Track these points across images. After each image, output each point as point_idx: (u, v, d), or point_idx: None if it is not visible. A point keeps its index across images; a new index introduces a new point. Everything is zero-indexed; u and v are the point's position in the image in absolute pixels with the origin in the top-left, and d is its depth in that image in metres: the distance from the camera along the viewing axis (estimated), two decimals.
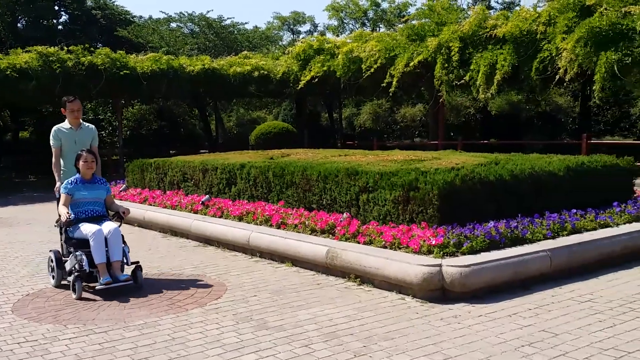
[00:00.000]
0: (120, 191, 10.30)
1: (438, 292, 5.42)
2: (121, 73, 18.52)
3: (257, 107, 33.07)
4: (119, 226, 6.14)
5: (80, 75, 17.83)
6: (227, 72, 21.02)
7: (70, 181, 6.24)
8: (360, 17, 36.72)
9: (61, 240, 6.33)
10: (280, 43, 41.47)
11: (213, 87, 21.12)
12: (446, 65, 16.00)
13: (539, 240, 6.26)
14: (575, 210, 7.20)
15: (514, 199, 6.96)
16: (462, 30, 15.99)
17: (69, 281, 5.97)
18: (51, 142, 6.70)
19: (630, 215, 7.26)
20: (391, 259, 5.71)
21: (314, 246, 6.55)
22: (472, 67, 15.43)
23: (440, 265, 5.42)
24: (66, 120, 6.78)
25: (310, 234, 7.08)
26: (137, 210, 10.03)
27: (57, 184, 6.59)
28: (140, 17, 42.53)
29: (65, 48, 18.46)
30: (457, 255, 5.70)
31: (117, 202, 7.10)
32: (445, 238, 5.88)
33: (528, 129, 22.97)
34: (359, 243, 6.42)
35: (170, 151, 24.66)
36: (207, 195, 9.68)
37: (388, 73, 17.08)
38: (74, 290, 5.75)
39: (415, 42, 17.24)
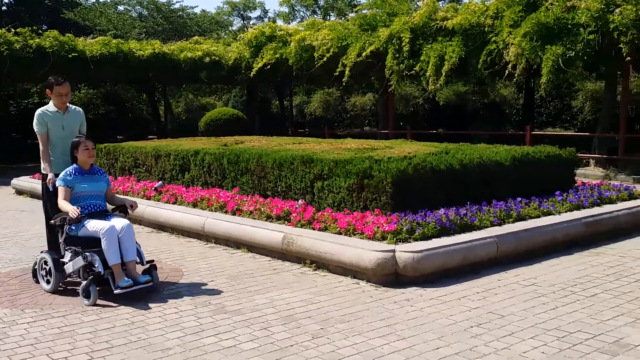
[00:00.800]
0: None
1: (391, 276, 5.61)
2: (69, 56, 18.11)
3: (206, 93, 32.74)
4: None
5: (27, 57, 17.40)
6: (178, 57, 20.78)
7: (68, 172, 5.56)
8: (311, 4, 36.73)
9: (60, 239, 5.53)
10: (230, 28, 41.11)
11: (163, 72, 20.85)
12: (397, 55, 16.25)
13: (487, 227, 6.53)
14: (520, 199, 7.51)
15: (463, 187, 7.22)
16: (413, 22, 16.27)
17: (63, 286, 5.54)
18: (36, 128, 5.85)
19: (572, 204, 7.61)
20: (346, 245, 5.86)
21: (270, 232, 6.65)
22: (422, 58, 15.74)
23: (393, 251, 5.60)
24: (50, 103, 5.95)
25: (265, 221, 7.16)
26: None
27: (50, 175, 5.73)
28: None
29: (13, 30, 17.91)
30: (409, 241, 5.90)
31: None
32: (398, 224, 6.06)
33: (474, 120, 23.54)
34: (314, 229, 6.55)
35: (118, 136, 24.21)
36: (160, 182, 9.63)
37: (340, 62, 17.22)
38: (87, 296, 5.13)
39: (367, 32, 17.42)
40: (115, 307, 5.02)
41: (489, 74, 15.35)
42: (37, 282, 5.68)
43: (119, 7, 38.56)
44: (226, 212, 7.77)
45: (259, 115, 24.00)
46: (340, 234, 6.30)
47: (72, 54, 18.17)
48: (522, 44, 13.27)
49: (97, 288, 5.18)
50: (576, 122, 22.81)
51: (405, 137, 17.21)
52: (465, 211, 6.74)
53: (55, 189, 5.58)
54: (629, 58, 12.11)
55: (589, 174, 13.47)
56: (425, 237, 6.00)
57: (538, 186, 8.06)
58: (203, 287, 5.57)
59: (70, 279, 5.62)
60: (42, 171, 5.86)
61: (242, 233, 6.99)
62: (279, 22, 37.24)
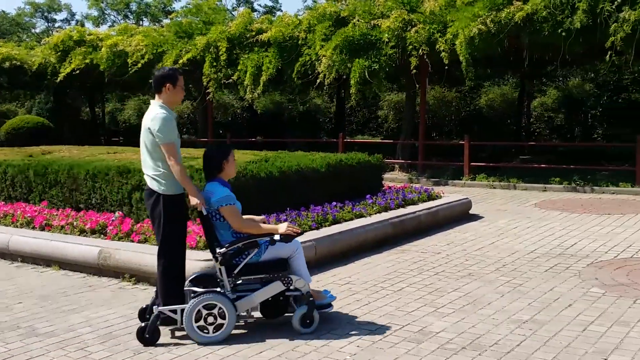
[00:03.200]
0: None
1: None
2: None
3: (6, 100, 30.05)
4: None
5: None
6: None
7: (225, 188, 4.53)
8: (122, 9, 35.39)
9: (223, 274, 4.45)
10: (33, 31, 38.19)
11: None
12: (215, 64, 16.34)
13: (306, 231, 6.82)
14: (335, 203, 7.94)
15: (283, 193, 7.46)
16: (229, 31, 16.49)
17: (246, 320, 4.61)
18: (167, 137, 4.37)
19: (380, 206, 8.21)
20: None
21: (84, 247, 6.34)
22: (239, 67, 16.01)
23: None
24: (163, 102, 4.54)
25: (79, 235, 6.81)
26: None
27: (195, 199, 4.47)
28: None
29: None
30: None
31: None
32: None
33: (291, 128, 24.28)
34: (133, 242, 6.37)
35: None
36: None
37: (156, 69, 16.85)
38: (308, 323, 4.48)
39: (183, 40, 17.31)
40: None
41: (303, 83, 16.01)
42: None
43: None
44: (34, 227, 7.26)
45: (69, 123, 22.62)
46: None
47: None
48: (333, 57, 14.10)
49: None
50: (382, 130, 24.48)
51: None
52: (285, 217, 6.98)
53: (208, 213, 4.50)
54: (414, 71, 13.43)
55: (395, 178, 14.55)
56: None
57: (351, 190, 8.57)
58: (9, 311, 5.17)
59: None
60: (167, 192, 4.45)
61: (52, 250, 6.57)
62: (88, 26, 35.40)
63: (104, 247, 6.23)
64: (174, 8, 35.00)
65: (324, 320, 4.73)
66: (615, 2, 11.15)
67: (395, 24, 13.80)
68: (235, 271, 4.47)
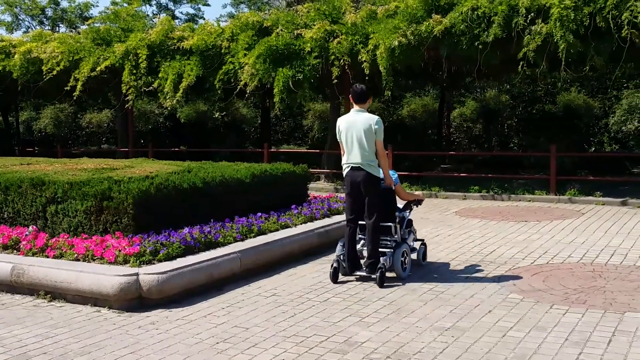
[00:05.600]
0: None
1: (135, 300, 5.46)
2: None
3: None
4: None
5: None
6: None
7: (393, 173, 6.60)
8: (37, 14, 34.02)
9: (398, 227, 6.46)
10: None
11: None
12: (134, 71, 15.99)
13: (230, 243, 6.72)
14: (260, 214, 7.88)
15: (207, 205, 7.34)
16: (149, 39, 16.18)
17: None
18: (382, 136, 6.21)
19: (305, 217, 8.21)
20: (85, 272, 5.57)
21: None
22: (160, 75, 15.73)
23: (137, 274, 5.47)
24: (366, 110, 6.32)
25: None
26: None
27: (390, 179, 6.42)
28: None
29: None
30: (154, 263, 5.81)
31: None
32: (141, 247, 5.94)
33: (215, 137, 23.97)
34: (48, 257, 6.09)
35: None
36: None
37: (72, 76, 16.32)
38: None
39: (101, 47, 16.86)
40: None
41: (225, 92, 15.89)
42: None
43: None
44: None
45: None
46: (78, 260, 5.95)
47: None
48: (256, 66, 14.07)
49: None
50: (307, 140, 24.58)
51: (147, 155, 16.87)
52: (209, 229, 6.86)
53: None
54: (336, 81, 13.63)
55: (320, 188, 14.63)
56: (170, 258, 5.96)
57: (276, 201, 8.53)
58: None
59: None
60: (379, 176, 6.26)
61: None
62: (1, 32, 33.86)
63: (17, 263, 5.92)
64: (91, 14, 33.97)
65: (246, 332, 4.67)
66: (529, 16, 11.67)
67: (318, 34, 13.92)
68: (404, 225, 6.61)
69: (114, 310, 5.38)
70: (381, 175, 6.30)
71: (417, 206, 6.88)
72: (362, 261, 6.37)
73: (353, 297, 5.71)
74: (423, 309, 5.30)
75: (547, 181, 13.23)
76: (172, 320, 5.12)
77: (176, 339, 4.66)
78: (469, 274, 6.54)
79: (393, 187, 6.44)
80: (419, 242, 6.97)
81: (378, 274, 6.06)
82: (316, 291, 5.95)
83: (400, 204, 6.74)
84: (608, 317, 5.02)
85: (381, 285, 6.02)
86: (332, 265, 6.31)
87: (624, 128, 18.29)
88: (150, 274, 5.47)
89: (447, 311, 5.24)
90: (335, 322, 5.01)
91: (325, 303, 5.55)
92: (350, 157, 6.21)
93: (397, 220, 6.45)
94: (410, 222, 6.77)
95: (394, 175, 6.54)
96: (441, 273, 6.59)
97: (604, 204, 11.67)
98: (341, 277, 6.37)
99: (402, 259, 6.35)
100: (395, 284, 6.15)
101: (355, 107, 6.26)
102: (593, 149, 19.31)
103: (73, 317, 5.22)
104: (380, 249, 6.27)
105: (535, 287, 5.94)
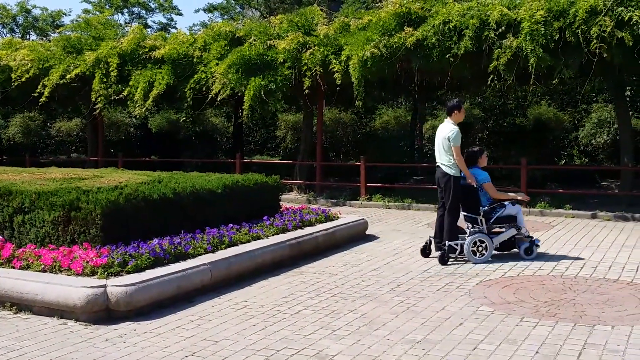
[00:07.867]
0: None
1: (103, 312, 5.36)
2: None
3: None
4: None
5: None
6: None
7: (482, 172, 7.81)
8: (8, 22, 33.55)
9: (486, 223, 7.67)
10: None
11: None
12: (105, 80, 15.83)
13: (201, 254, 6.65)
14: (232, 225, 7.81)
15: (178, 216, 7.25)
16: (121, 47, 16.05)
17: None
18: (456, 142, 7.57)
19: (277, 228, 8.16)
20: (52, 283, 5.46)
21: None
22: (131, 84, 15.60)
23: (105, 286, 5.38)
24: (453, 121, 7.80)
25: None
26: None
27: (471, 178, 7.65)
28: None
29: None
30: (122, 275, 5.72)
31: None
32: (109, 258, 5.84)
33: (187, 147, 23.75)
34: (14, 268, 5.95)
35: None
36: None
37: (41, 83, 16.09)
38: (530, 253, 7.75)
39: (72, 55, 16.68)
40: None
41: (197, 102, 15.79)
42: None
43: None
44: None
45: None
46: (45, 271, 5.83)
47: None
48: (229, 75, 14.03)
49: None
50: (280, 150, 24.51)
51: (117, 165, 16.65)
52: (179, 240, 6.78)
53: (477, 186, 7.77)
54: (307, 91, 13.66)
55: (293, 199, 14.58)
56: (138, 269, 5.88)
57: (248, 212, 8.47)
58: None
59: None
60: (455, 174, 7.64)
61: None
62: None
63: None
64: (63, 22, 33.59)
65: (215, 345, 4.60)
66: (500, 30, 11.83)
67: (291, 45, 13.95)
68: (491, 221, 7.68)
69: (80, 323, 5.27)
70: (453, 173, 7.61)
71: (515, 205, 7.87)
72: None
73: (324, 310, 5.68)
74: (394, 322, 5.30)
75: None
76: (140, 333, 5.03)
77: (144, 353, 4.58)
78: (440, 286, 6.56)
79: (474, 185, 7.64)
80: (528, 239, 7.81)
81: (439, 253, 7.56)
82: (287, 303, 5.91)
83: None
84: (578, 330, 5.07)
85: (442, 263, 7.48)
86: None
87: (593, 141, 18.60)
88: (118, 286, 5.38)
89: (418, 324, 5.24)
90: (306, 334, 4.97)
91: (297, 315, 5.51)
92: (435, 157, 7.82)
93: (482, 214, 7.64)
94: (506, 218, 7.72)
95: (481, 175, 7.73)
96: (412, 285, 6.59)
97: (574, 217, 11.83)
98: (314, 292, 6.33)
99: (474, 247, 7.54)
100: (365, 301, 6.13)
101: (446, 118, 7.91)
102: (563, 161, 19.59)
103: (39, 330, 5.10)
104: (460, 235, 7.73)
105: (505, 300, 5.98)
